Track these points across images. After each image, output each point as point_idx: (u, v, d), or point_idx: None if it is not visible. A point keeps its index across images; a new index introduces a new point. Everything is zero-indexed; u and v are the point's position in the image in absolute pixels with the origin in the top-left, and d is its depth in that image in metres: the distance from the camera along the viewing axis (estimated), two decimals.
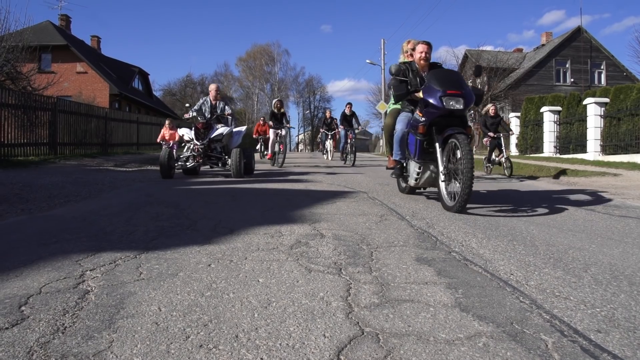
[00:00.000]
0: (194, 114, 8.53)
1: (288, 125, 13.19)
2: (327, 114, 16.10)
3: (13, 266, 2.36)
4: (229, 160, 8.01)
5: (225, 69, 58.09)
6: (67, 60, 26.19)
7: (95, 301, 1.88)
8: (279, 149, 11.82)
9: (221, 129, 8.24)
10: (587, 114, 13.73)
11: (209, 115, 8.49)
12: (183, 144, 9.16)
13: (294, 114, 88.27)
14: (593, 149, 13.40)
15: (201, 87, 50.34)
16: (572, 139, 15.07)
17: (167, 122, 12.56)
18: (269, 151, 12.32)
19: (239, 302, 1.89)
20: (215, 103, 8.69)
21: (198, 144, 8.01)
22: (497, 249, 2.91)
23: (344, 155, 13.99)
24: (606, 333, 1.64)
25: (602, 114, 13.35)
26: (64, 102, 13.67)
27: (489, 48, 31.36)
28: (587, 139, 13.73)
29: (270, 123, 12.45)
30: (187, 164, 8.12)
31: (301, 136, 63.39)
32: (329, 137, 15.61)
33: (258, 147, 17.01)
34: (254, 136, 17.58)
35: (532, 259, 2.66)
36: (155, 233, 3.23)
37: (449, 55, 63.69)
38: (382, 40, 32.64)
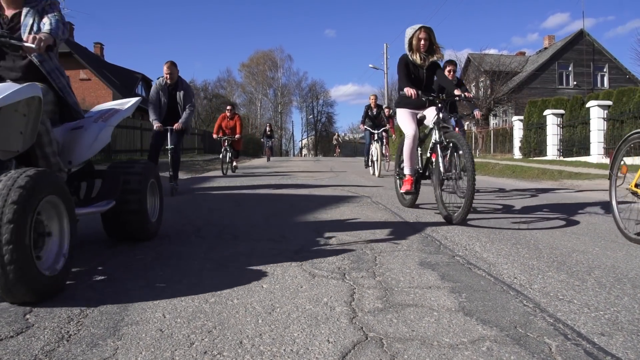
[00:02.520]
0: None
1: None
2: (372, 101, 10.55)
3: None
4: None
5: (228, 74, 58.26)
6: (71, 67, 26.36)
7: (99, 308, 1.89)
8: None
9: None
10: (590, 117, 13.69)
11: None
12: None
13: (297, 119, 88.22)
14: (596, 152, 13.35)
15: (204, 93, 50.28)
16: (575, 141, 15.03)
17: None
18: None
19: (243, 308, 1.90)
20: (15, 15, 2.64)
21: None
22: (500, 252, 2.90)
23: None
24: (610, 336, 1.64)
25: (605, 116, 13.31)
26: None
27: (492, 51, 31.24)
28: (590, 141, 13.68)
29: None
30: None
31: (304, 141, 63.50)
32: (376, 137, 10.01)
33: (222, 155, 10.41)
34: (215, 136, 11.13)
35: (535, 263, 2.65)
36: (160, 239, 3.24)
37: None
38: (384, 44, 32.83)
